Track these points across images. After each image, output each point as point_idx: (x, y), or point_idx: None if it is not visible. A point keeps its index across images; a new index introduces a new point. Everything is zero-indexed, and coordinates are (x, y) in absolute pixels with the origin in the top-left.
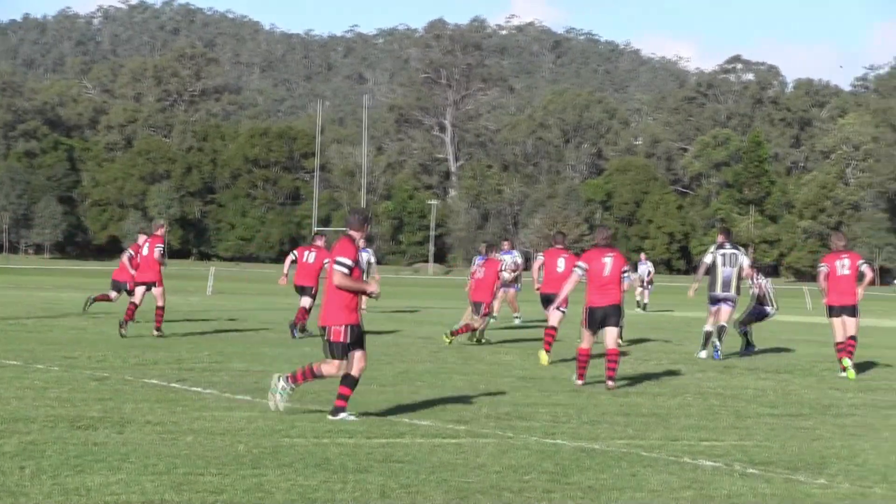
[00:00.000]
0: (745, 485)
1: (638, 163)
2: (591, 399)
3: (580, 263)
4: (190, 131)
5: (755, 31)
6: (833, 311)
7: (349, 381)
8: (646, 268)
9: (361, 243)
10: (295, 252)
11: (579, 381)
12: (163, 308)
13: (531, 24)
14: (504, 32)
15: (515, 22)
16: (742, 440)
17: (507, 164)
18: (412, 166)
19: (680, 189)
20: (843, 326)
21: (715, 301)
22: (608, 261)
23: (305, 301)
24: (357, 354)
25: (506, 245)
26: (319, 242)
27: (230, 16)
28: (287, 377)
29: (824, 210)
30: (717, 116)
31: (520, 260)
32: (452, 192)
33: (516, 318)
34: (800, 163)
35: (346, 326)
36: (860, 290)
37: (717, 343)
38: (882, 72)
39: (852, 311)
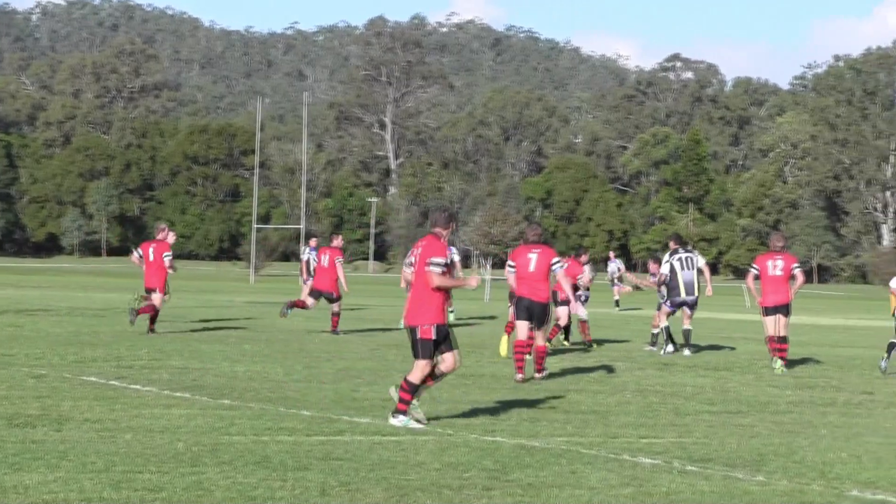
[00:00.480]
0: (683, 482)
1: (578, 161)
2: (530, 396)
3: (509, 262)
4: (129, 128)
5: (695, 30)
6: (768, 311)
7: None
8: (615, 266)
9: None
10: (317, 257)
11: (519, 376)
12: (153, 307)
13: (471, 21)
14: (444, 30)
15: (455, 20)
16: (681, 437)
17: (447, 162)
18: (352, 164)
19: (619, 187)
20: (776, 323)
21: (680, 304)
22: (533, 257)
23: (334, 307)
24: (448, 356)
25: None
26: (336, 242)
27: (169, 12)
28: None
29: (763, 208)
30: (656, 114)
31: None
32: (392, 190)
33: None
34: (738, 161)
35: (435, 325)
36: (791, 293)
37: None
38: (820, 70)
39: (786, 310)
